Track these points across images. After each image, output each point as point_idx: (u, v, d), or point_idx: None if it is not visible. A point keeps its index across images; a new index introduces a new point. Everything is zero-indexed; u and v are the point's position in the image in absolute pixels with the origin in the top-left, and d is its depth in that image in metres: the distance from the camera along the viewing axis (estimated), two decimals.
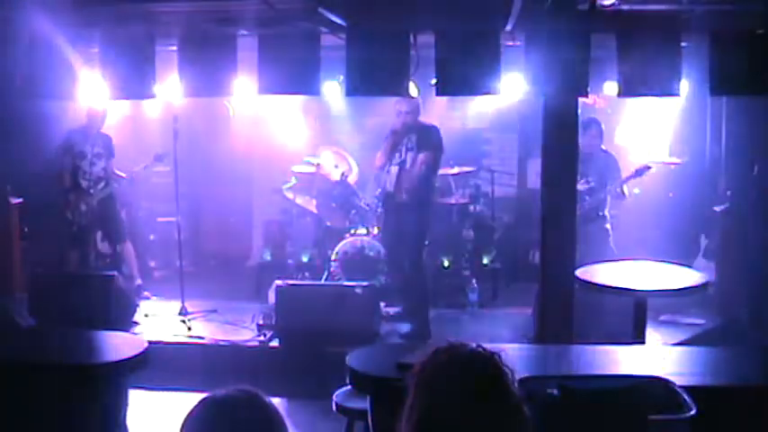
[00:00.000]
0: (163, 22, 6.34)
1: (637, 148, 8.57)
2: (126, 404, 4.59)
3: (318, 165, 8.35)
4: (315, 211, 8.31)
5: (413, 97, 6.71)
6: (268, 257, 8.45)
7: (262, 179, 8.84)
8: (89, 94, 6.57)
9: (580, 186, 6.93)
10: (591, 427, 3.14)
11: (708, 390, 3.53)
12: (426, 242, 7.33)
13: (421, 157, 6.85)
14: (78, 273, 7.30)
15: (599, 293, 5.70)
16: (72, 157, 7.55)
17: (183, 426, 1.92)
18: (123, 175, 7.79)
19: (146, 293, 7.90)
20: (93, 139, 7.61)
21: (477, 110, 9.05)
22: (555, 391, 3.12)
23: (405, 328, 6.98)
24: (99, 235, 7.79)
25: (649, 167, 7.39)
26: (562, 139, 5.66)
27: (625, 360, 4.26)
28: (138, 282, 7.91)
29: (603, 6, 5.60)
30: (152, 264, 8.76)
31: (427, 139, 6.89)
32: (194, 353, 6.61)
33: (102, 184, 7.64)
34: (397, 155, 6.97)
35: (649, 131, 8.66)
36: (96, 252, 7.74)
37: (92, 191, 7.58)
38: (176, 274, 7.47)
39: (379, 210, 7.71)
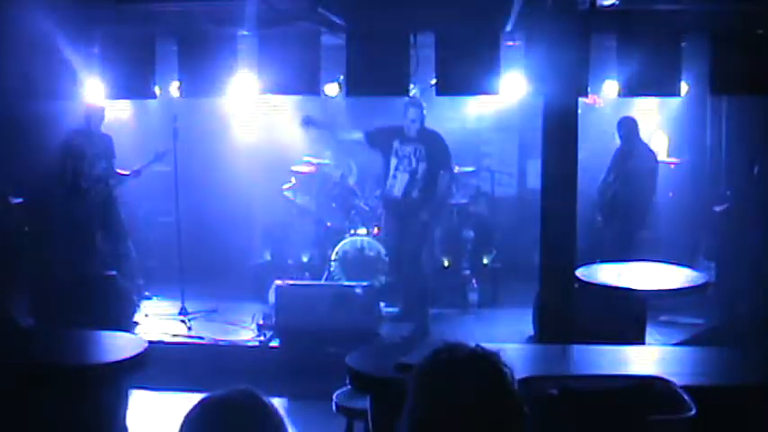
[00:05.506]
0: (163, 21, 6.34)
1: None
2: (126, 404, 4.58)
3: (318, 164, 8.35)
4: (315, 210, 8.31)
5: (421, 105, 6.91)
6: (268, 257, 8.44)
7: (262, 179, 8.83)
8: (88, 93, 6.56)
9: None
10: (591, 427, 3.14)
11: (708, 390, 3.52)
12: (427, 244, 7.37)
13: (444, 181, 7.15)
14: (78, 273, 7.29)
15: (599, 293, 5.70)
16: (72, 158, 7.52)
17: (181, 426, 1.92)
18: (126, 172, 7.77)
19: (146, 293, 7.90)
20: (94, 140, 7.59)
21: (477, 110, 9.05)
22: (555, 391, 3.11)
23: (405, 328, 6.98)
24: (100, 235, 7.79)
25: None
26: (562, 139, 5.65)
27: (625, 360, 4.25)
28: (139, 282, 7.91)
29: (603, 6, 5.60)
30: (152, 264, 8.74)
31: (436, 151, 7.04)
32: (194, 353, 6.61)
33: (103, 184, 7.63)
34: (406, 161, 7.05)
35: (649, 131, 8.66)
36: (97, 252, 7.73)
37: (92, 192, 7.56)
38: (176, 274, 7.47)
39: (380, 210, 7.72)
